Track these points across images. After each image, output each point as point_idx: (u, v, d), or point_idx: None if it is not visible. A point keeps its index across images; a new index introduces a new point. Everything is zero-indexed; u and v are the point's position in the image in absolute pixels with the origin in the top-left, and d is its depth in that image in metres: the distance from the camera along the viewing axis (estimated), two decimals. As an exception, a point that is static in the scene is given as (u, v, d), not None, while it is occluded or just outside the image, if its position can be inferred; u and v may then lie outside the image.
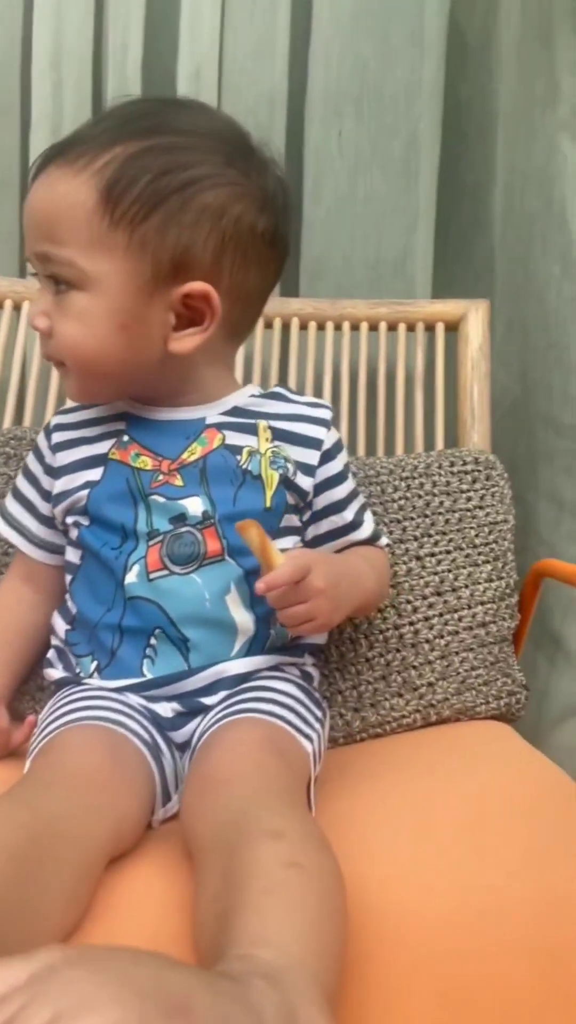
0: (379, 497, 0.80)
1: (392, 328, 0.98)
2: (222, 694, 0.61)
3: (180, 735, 0.61)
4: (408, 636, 0.75)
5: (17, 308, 0.96)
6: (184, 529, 0.62)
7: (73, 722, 0.56)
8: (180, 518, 0.62)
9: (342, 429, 0.95)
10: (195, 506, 0.62)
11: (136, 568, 0.62)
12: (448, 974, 0.42)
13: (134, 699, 0.61)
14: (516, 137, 1.01)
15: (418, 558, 0.78)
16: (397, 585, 0.77)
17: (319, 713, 0.61)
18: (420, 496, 0.81)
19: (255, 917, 0.37)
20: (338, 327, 0.98)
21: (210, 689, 0.61)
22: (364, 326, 0.98)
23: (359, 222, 1.07)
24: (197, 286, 0.59)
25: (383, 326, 0.98)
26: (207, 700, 0.61)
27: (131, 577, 0.62)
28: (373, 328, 0.98)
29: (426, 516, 0.80)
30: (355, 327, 0.98)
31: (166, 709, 0.61)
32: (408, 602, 0.76)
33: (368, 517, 0.72)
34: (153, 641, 0.61)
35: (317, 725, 0.59)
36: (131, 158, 0.58)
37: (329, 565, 0.61)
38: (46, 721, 0.59)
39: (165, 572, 0.62)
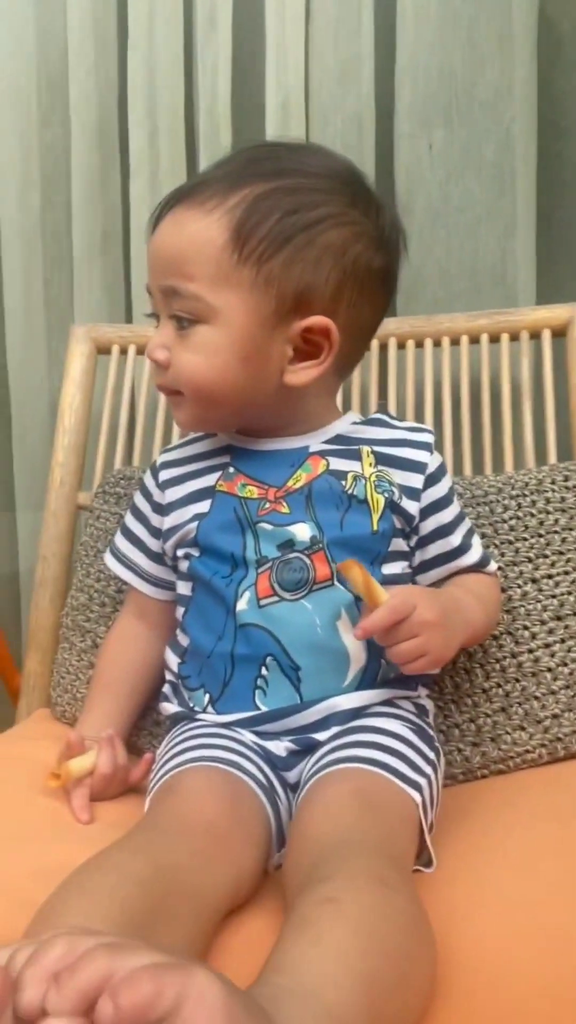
0: (488, 518, 0.77)
1: (494, 339, 0.94)
2: (334, 730, 0.60)
3: (292, 775, 0.60)
4: (527, 664, 0.71)
5: (124, 352, 1.00)
6: (293, 555, 0.62)
7: (190, 762, 0.57)
8: (288, 544, 0.63)
9: (446, 449, 0.92)
10: (303, 532, 0.63)
11: (247, 595, 0.62)
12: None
13: (248, 736, 0.61)
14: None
15: (533, 580, 0.74)
16: (512, 610, 0.73)
17: (431, 755, 0.59)
18: (533, 515, 0.77)
19: (279, 947, 0.36)
20: (437, 343, 0.96)
21: (322, 724, 0.60)
22: (464, 340, 0.95)
23: (454, 232, 1.04)
24: (318, 320, 0.61)
25: (484, 338, 0.94)
26: (319, 736, 0.60)
27: (242, 604, 0.62)
28: (474, 341, 0.95)
29: (540, 536, 0.76)
30: (455, 342, 0.95)
31: (279, 748, 0.60)
32: (525, 628, 0.73)
33: (476, 542, 0.70)
34: (264, 671, 0.61)
35: (428, 769, 0.57)
36: (259, 198, 0.60)
37: (434, 598, 0.59)
38: (163, 759, 0.60)
39: (275, 599, 0.62)
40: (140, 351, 1.00)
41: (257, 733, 0.61)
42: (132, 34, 1.06)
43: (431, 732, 0.63)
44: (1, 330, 1.13)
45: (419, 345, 0.97)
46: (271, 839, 0.55)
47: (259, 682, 0.61)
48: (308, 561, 0.62)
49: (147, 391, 1.00)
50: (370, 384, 0.97)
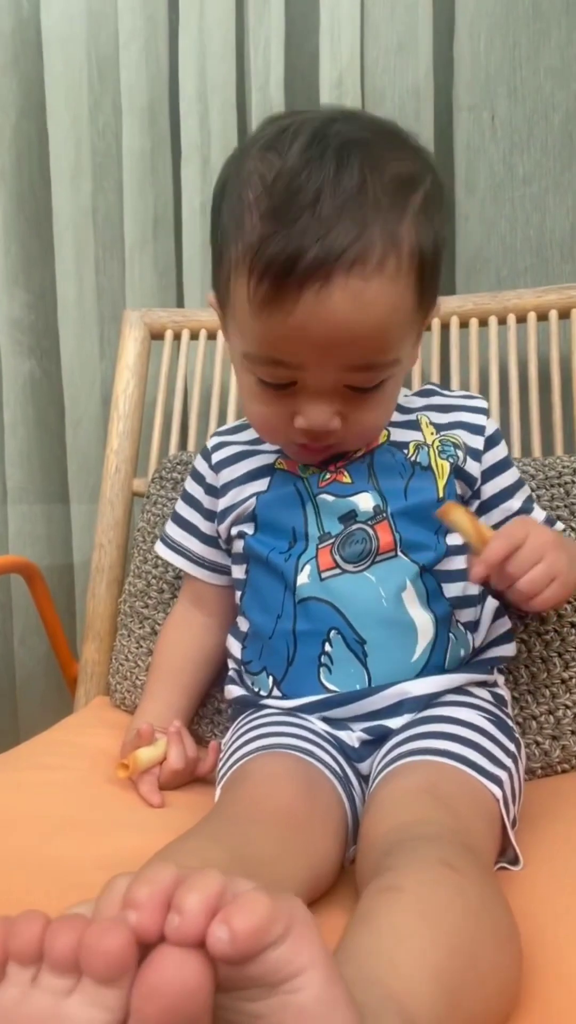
0: (563, 500, 0.73)
1: (564, 315, 0.90)
2: (407, 717, 0.57)
3: (364, 766, 0.57)
4: (608, 653, 0.67)
5: (177, 337, 0.98)
6: (355, 527, 0.60)
7: (261, 749, 0.54)
8: (350, 515, 0.61)
9: (514, 430, 0.88)
10: (365, 502, 0.61)
11: (307, 568, 0.60)
12: None
13: (319, 724, 0.59)
14: None
15: (613, 565, 0.70)
16: (591, 597, 0.69)
17: (511, 747, 0.56)
18: (610, 497, 0.73)
19: (341, 942, 0.34)
20: (502, 321, 0.92)
21: (394, 711, 0.57)
22: (532, 317, 0.91)
23: (519, 206, 1.00)
24: (434, 311, 0.59)
25: (554, 314, 0.90)
26: (391, 723, 0.57)
27: (303, 579, 0.60)
28: (542, 318, 0.91)
29: (619, 518, 0.72)
30: (521, 319, 0.91)
31: (351, 738, 0.58)
32: (605, 615, 0.69)
33: (537, 507, 0.68)
34: (328, 647, 0.59)
35: (509, 761, 0.53)
36: (420, 230, 0.52)
37: (539, 526, 0.56)
38: (231, 748, 0.58)
39: (337, 571, 0.60)
40: (194, 335, 0.98)
41: (327, 721, 0.59)
42: (183, 14, 1.05)
43: (510, 723, 0.59)
44: (54, 318, 1.12)
45: (483, 324, 0.93)
46: (348, 830, 0.52)
47: (323, 659, 0.59)
48: (371, 531, 0.60)
49: (201, 376, 0.98)
50: (431, 366, 0.93)
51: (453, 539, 0.62)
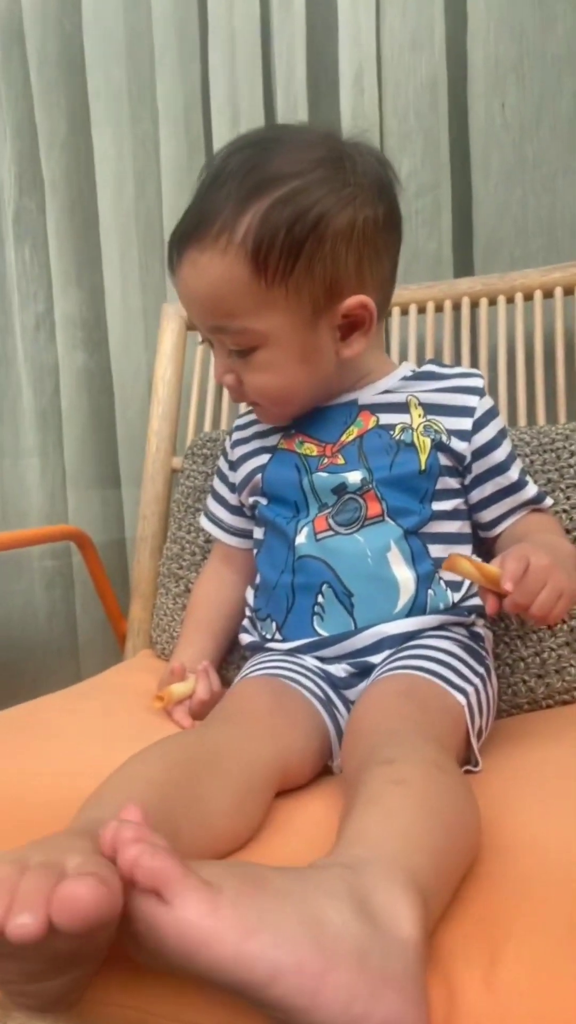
0: (554, 464, 0.79)
1: (568, 292, 0.95)
2: (386, 652, 0.65)
3: (353, 693, 0.66)
4: (593, 602, 0.73)
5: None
6: (347, 497, 0.69)
7: (249, 676, 0.65)
8: (341, 488, 0.69)
9: (520, 401, 0.94)
10: (354, 477, 0.69)
11: (305, 530, 0.69)
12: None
13: (310, 661, 0.67)
14: None
15: (601, 523, 0.76)
16: (578, 551, 0.75)
17: (480, 668, 0.64)
18: (600, 460, 0.79)
19: (353, 823, 0.40)
20: (510, 300, 0.98)
21: (375, 648, 0.66)
22: (538, 294, 0.96)
23: (530, 189, 1.05)
24: (353, 300, 0.65)
25: (559, 292, 0.95)
26: (373, 659, 0.65)
27: (300, 539, 0.69)
28: (548, 296, 0.96)
29: (608, 480, 0.78)
30: (528, 297, 0.97)
31: (339, 670, 0.66)
32: (592, 568, 0.75)
33: (530, 480, 0.73)
34: (321, 599, 0.67)
35: (476, 680, 0.61)
36: (262, 222, 0.61)
37: (534, 548, 0.59)
38: (236, 681, 0.68)
39: (331, 532, 0.68)
40: (226, 324, 1.07)
41: (319, 659, 0.68)
42: (212, 27, 1.13)
43: (483, 653, 0.67)
44: (103, 312, 1.23)
45: (492, 303, 0.99)
46: (327, 739, 0.61)
47: (316, 608, 0.67)
48: (361, 500, 0.68)
49: (233, 362, 1.07)
50: (443, 345, 1.00)
51: (439, 505, 0.69)
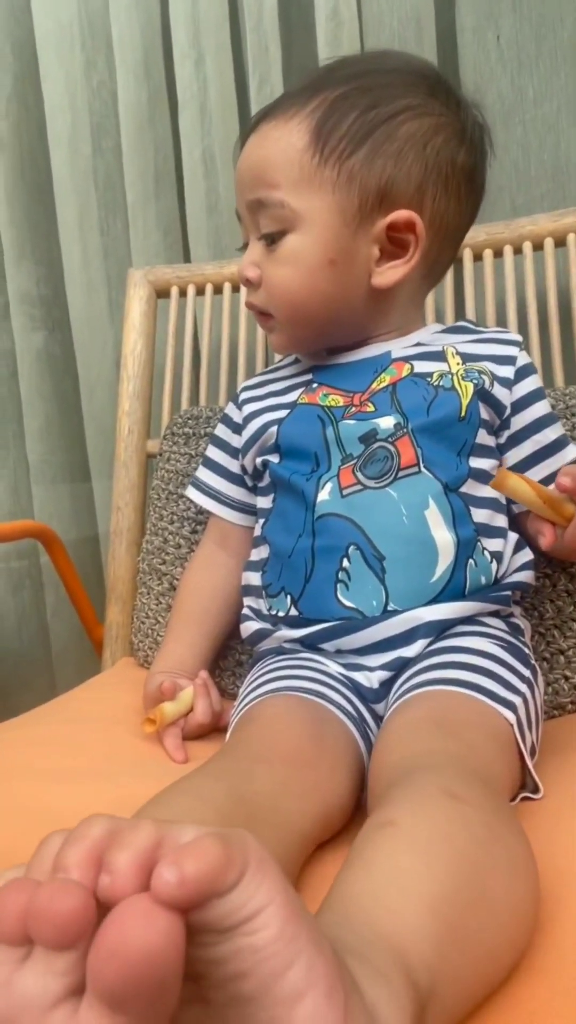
0: (583, 428, 0.70)
1: (583, 239, 0.85)
2: (421, 644, 0.55)
3: (381, 707, 0.56)
4: None
5: (183, 294, 0.97)
6: (376, 445, 0.60)
7: (271, 692, 0.53)
8: (371, 435, 0.60)
9: (535, 360, 0.84)
10: (387, 422, 0.60)
11: (329, 486, 0.60)
12: None
13: (334, 667, 0.57)
14: None
15: None
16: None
17: (527, 672, 0.53)
18: None
19: (333, 886, 0.32)
20: (518, 250, 0.88)
21: (408, 637, 0.56)
22: (549, 243, 0.86)
23: (531, 128, 0.95)
24: (403, 214, 0.59)
25: (572, 239, 0.85)
26: (407, 651, 0.55)
27: (323, 495, 0.60)
28: (560, 244, 0.86)
29: None
30: (538, 247, 0.87)
31: (370, 679, 0.56)
32: None
33: (572, 443, 0.65)
34: (346, 563, 0.57)
35: (524, 687, 0.51)
36: (337, 99, 0.59)
37: None
38: (245, 692, 0.57)
39: (358, 487, 0.59)
40: (200, 291, 0.96)
41: (344, 662, 0.57)
42: (171, -42, 1.01)
43: (527, 651, 0.57)
44: (61, 286, 1.11)
45: (498, 255, 0.89)
46: (363, 769, 0.50)
47: (340, 575, 0.57)
48: (393, 448, 0.59)
49: (209, 332, 0.96)
50: (445, 301, 0.90)
51: (476, 463, 0.61)
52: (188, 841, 0.23)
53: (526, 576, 0.61)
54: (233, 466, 0.71)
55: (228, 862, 0.23)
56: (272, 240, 0.61)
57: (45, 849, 0.25)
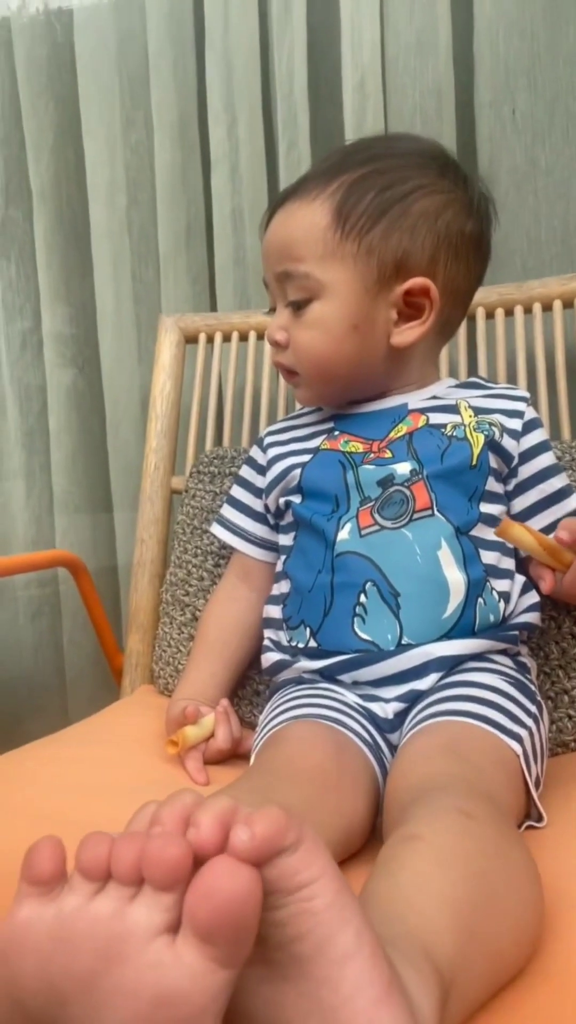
0: (591, 480, 0.74)
1: (590, 301, 0.90)
2: (433, 678, 0.59)
3: (395, 737, 0.59)
4: None
5: (211, 341, 1.02)
6: (393, 489, 0.64)
7: (294, 719, 0.57)
8: (388, 479, 0.65)
9: (543, 416, 0.89)
10: (403, 467, 0.65)
11: (348, 526, 0.64)
12: None
13: (351, 697, 0.61)
14: None
15: None
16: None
17: (532, 708, 0.57)
18: None
19: (361, 894, 0.36)
20: (528, 310, 0.93)
21: (421, 671, 0.59)
22: (558, 304, 0.92)
23: (543, 196, 1.01)
24: (418, 281, 0.65)
25: (580, 301, 0.91)
26: (420, 684, 0.59)
27: (343, 535, 0.64)
28: (568, 305, 0.92)
29: None
30: (547, 307, 0.92)
31: (385, 710, 0.60)
32: None
33: (575, 491, 0.69)
34: (363, 599, 0.61)
35: (530, 721, 0.55)
36: (356, 182, 0.65)
37: None
38: (266, 720, 0.61)
39: (376, 527, 0.63)
40: (226, 338, 1.01)
41: (360, 692, 0.61)
42: (209, 30, 1.08)
43: (532, 688, 0.61)
44: (94, 328, 1.17)
45: (509, 314, 0.94)
46: (379, 794, 0.54)
47: (358, 609, 0.61)
48: (408, 492, 0.64)
49: (234, 377, 1.01)
50: (459, 356, 0.95)
51: (486, 508, 0.65)
52: (256, 809, 0.28)
53: (533, 617, 0.65)
54: (257, 505, 0.75)
55: (289, 826, 0.28)
56: (299, 307, 0.66)
57: (142, 813, 0.30)
